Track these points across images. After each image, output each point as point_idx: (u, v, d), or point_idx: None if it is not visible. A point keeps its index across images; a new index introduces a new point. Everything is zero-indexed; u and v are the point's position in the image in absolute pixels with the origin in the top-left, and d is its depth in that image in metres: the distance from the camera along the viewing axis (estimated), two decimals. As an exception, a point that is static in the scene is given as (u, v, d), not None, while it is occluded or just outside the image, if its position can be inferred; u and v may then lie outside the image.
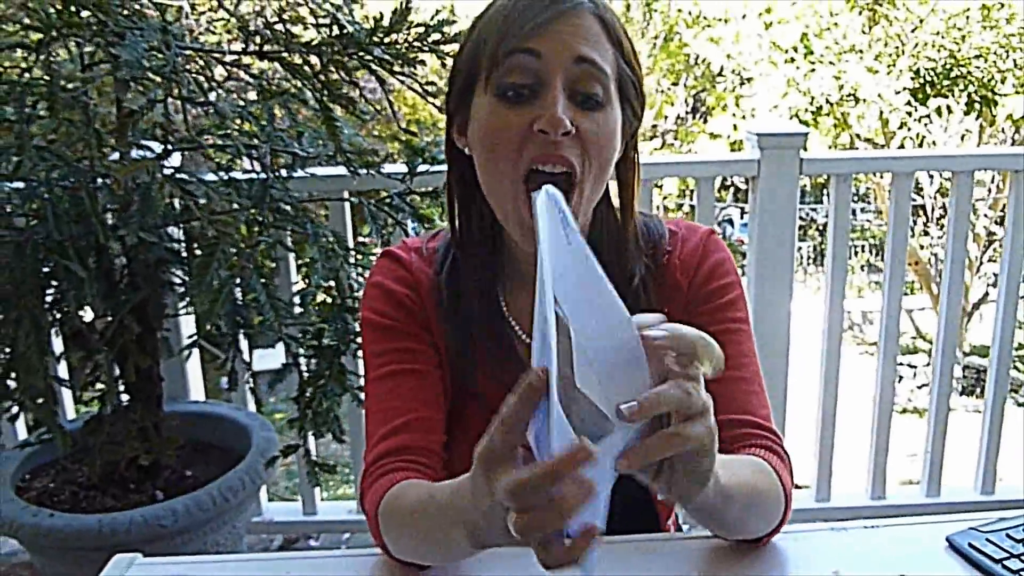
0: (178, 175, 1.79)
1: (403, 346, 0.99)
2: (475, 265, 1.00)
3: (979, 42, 7.94)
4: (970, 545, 0.89)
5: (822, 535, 0.96)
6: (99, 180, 1.70)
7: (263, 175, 1.78)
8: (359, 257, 1.92)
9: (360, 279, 1.83)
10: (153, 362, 1.88)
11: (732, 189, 13.21)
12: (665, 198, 10.50)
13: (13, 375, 1.71)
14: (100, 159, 1.67)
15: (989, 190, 8.61)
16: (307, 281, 1.89)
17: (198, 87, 1.70)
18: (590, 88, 0.88)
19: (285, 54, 1.69)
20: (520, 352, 1.00)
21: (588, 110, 0.88)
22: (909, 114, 7.93)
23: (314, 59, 1.71)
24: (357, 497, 0.98)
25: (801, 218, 10.44)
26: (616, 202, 1.00)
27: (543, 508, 0.56)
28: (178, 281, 1.89)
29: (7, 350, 1.69)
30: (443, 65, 1.65)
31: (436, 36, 1.64)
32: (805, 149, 2.19)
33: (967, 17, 7.90)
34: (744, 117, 8.35)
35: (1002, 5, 7.82)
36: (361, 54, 1.66)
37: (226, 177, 1.81)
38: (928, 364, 7.44)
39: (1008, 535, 0.90)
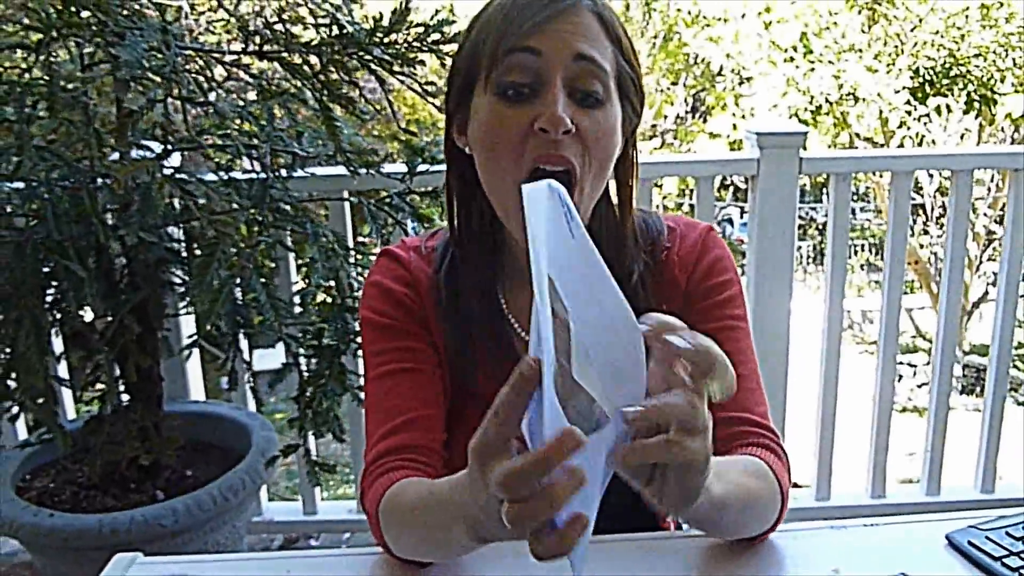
0: (178, 175, 1.79)
1: (402, 345, 0.99)
2: (474, 263, 1.00)
3: (978, 41, 7.94)
4: (970, 543, 0.89)
5: (822, 533, 0.96)
6: (99, 180, 1.70)
7: (263, 175, 1.78)
8: (359, 257, 1.92)
9: (360, 279, 1.84)
10: (153, 362, 1.88)
11: (732, 188, 13.22)
12: (665, 197, 10.50)
13: (13, 375, 1.71)
14: (100, 159, 1.67)
15: (988, 189, 8.62)
16: (307, 281, 1.89)
17: (198, 87, 1.70)
18: (590, 86, 0.88)
19: (285, 54, 1.69)
20: (519, 350, 1.00)
21: (588, 108, 0.88)
22: (908, 113, 7.94)
23: (314, 59, 1.71)
24: (357, 496, 0.98)
25: (801, 217, 10.43)
26: (615, 199, 1.00)
27: (534, 497, 0.56)
28: (178, 281, 1.89)
29: (7, 350, 1.69)
30: (443, 65, 1.65)
31: (436, 36, 1.64)
32: (804, 148, 2.19)
33: (966, 16, 7.91)
34: (744, 116, 8.35)
35: (1001, 4, 7.82)
36: (361, 54, 1.66)
37: (226, 177, 1.81)
38: (928, 363, 7.44)
39: (1008, 533, 0.90)
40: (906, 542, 0.94)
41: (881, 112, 7.88)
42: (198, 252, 1.82)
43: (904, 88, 7.89)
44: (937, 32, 8.01)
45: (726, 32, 8.30)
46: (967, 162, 2.32)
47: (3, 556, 2.45)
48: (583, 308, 0.60)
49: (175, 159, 1.95)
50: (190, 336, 1.90)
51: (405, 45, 1.66)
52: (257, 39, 1.71)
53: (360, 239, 2.36)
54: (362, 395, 1.45)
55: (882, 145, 8.35)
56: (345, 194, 2.07)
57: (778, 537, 0.94)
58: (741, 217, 13.82)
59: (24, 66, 1.68)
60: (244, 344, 1.97)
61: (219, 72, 1.84)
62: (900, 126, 8.00)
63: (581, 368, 0.57)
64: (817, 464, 2.42)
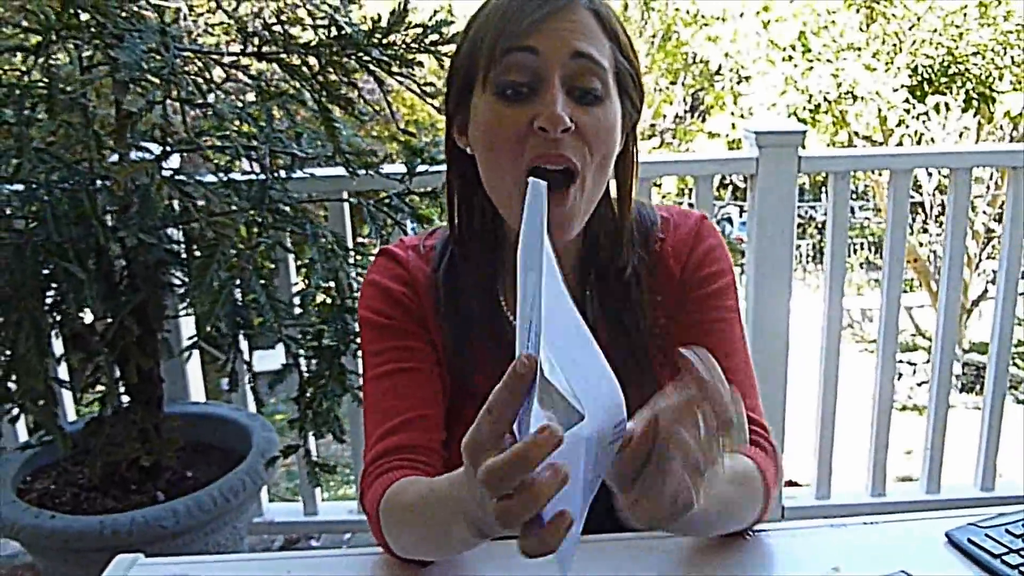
0: (177, 177, 1.79)
1: (401, 344, 0.99)
2: (475, 262, 1.00)
3: (977, 39, 7.95)
4: (969, 541, 0.89)
5: (822, 532, 0.96)
6: (98, 182, 1.70)
7: (262, 176, 1.78)
8: (358, 258, 1.93)
9: (359, 279, 1.84)
10: (153, 363, 1.88)
11: (731, 187, 13.22)
12: (664, 196, 10.49)
13: (13, 377, 1.71)
14: (99, 161, 1.67)
15: (988, 187, 8.62)
16: (307, 282, 1.90)
17: (197, 88, 1.71)
18: (588, 83, 0.88)
19: (283, 55, 1.70)
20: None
21: (587, 105, 0.88)
22: (907, 111, 7.94)
23: (312, 60, 1.71)
24: (357, 497, 0.98)
25: (800, 216, 10.44)
26: (613, 196, 1.00)
27: (518, 494, 0.56)
28: (178, 282, 1.89)
29: (7, 352, 1.69)
30: (441, 66, 1.65)
31: (434, 37, 1.64)
32: (803, 147, 2.19)
33: (964, 14, 7.91)
34: (742, 116, 8.35)
35: (999, 2, 7.82)
36: (359, 55, 1.66)
37: (225, 178, 1.81)
38: (927, 361, 7.45)
39: (1007, 530, 0.90)
40: (906, 540, 0.94)
41: (880, 110, 7.88)
42: (198, 253, 1.82)
43: (903, 86, 7.89)
44: (935, 30, 8.01)
45: (725, 31, 8.30)
46: (966, 160, 2.33)
47: (4, 558, 2.45)
48: (549, 311, 0.60)
49: (174, 160, 1.95)
50: (190, 337, 1.90)
51: (403, 46, 1.66)
52: (256, 40, 1.71)
53: (360, 239, 2.36)
54: (362, 395, 1.45)
55: (881, 143, 8.35)
56: (344, 195, 2.07)
57: (778, 536, 0.95)
58: (740, 216, 13.82)
59: (23, 68, 1.68)
60: (244, 345, 1.97)
61: (218, 74, 1.84)
62: (899, 124, 8.00)
63: (550, 367, 0.58)
64: (817, 463, 2.42)
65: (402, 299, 1.00)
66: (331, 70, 1.68)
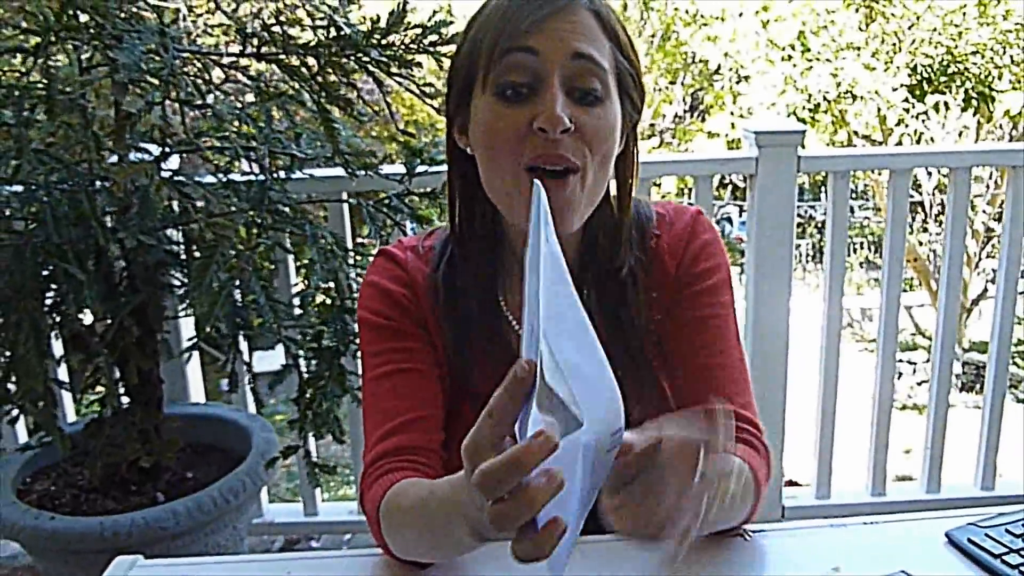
0: (176, 177, 1.79)
1: (400, 345, 0.99)
2: (475, 261, 1.00)
3: (976, 38, 7.94)
4: (969, 540, 0.89)
5: (822, 532, 0.96)
6: (98, 183, 1.70)
7: (261, 177, 1.78)
8: (358, 258, 1.93)
9: (359, 280, 1.84)
10: (153, 364, 1.88)
11: (730, 187, 13.22)
12: (664, 196, 10.50)
13: (13, 378, 1.71)
14: (98, 162, 1.67)
15: (987, 186, 8.62)
16: (306, 282, 1.89)
17: (196, 89, 1.70)
18: (588, 84, 0.88)
19: (282, 56, 1.69)
20: (517, 349, 1.00)
21: (587, 106, 0.88)
22: (907, 111, 7.94)
23: (311, 61, 1.71)
24: (357, 498, 0.98)
25: (799, 215, 10.45)
26: (612, 195, 1.00)
27: (512, 498, 0.56)
28: (177, 283, 1.89)
29: (7, 353, 1.69)
30: (440, 67, 1.65)
31: (433, 37, 1.64)
32: (803, 147, 2.19)
33: (964, 13, 7.91)
34: (742, 115, 8.35)
35: (998, 1, 7.82)
36: (358, 56, 1.66)
37: (224, 179, 1.81)
38: (927, 360, 7.45)
39: (1007, 530, 0.90)
40: (906, 540, 0.94)
41: (879, 110, 7.88)
42: (197, 254, 1.82)
43: (902, 86, 7.89)
44: (935, 29, 8.01)
45: (724, 31, 8.30)
46: (965, 159, 2.32)
47: (4, 559, 2.45)
48: (554, 314, 0.60)
49: (173, 161, 1.95)
50: (190, 339, 1.90)
51: (402, 47, 1.66)
52: (255, 41, 1.71)
53: (360, 240, 2.36)
54: (361, 396, 1.45)
55: (880, 143, 8.35)
56: (344, 195, 2.07)
57: (778, 536, 0.95)
58: (740, 216, 13.82)
59: (23, 70, 1.68)
60: (244, 346, 1.97)
61: (217, 74, 1.84)
62: (898, 124, 8.00)
63: (551, 371, 0.58)
64: (817, 462, 2.42)
65: (401, 300, 1.00)
66: (330, 71, 1.68)
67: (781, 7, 8.00)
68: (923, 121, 8.02)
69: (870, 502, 2.43)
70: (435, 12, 1.67)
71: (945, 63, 8.14)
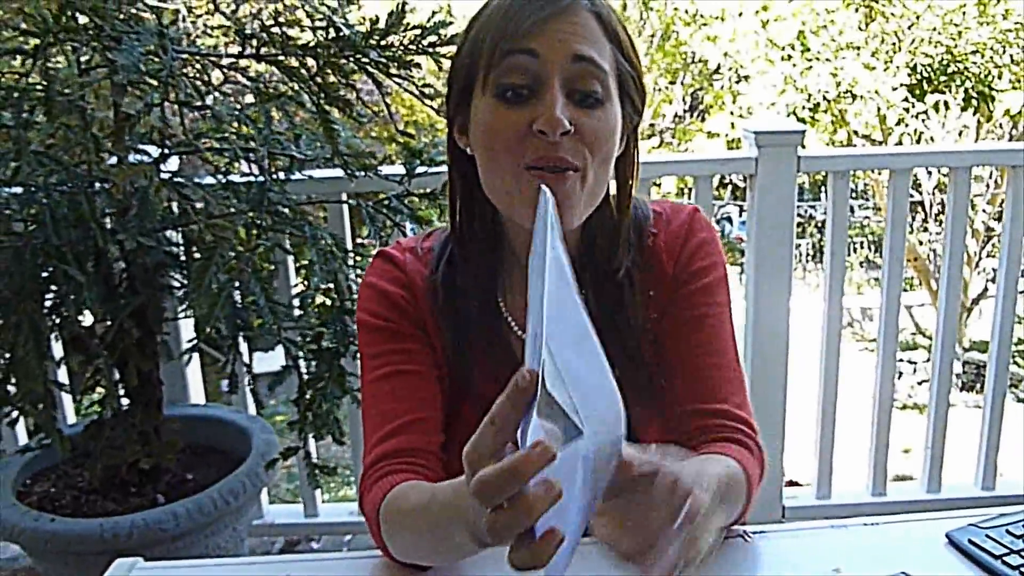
0: (176, 179, 1.79)
1: (399, 347, 0.99)
2: (475, 262, 1.00)
3: (976, 38, 7.94)
4: (970, 541, 0.89)
5: (822, 532, 0.96)
6: (97, 185, 1.70)
7: (260, 178, 1.78)
8: (358, 259, 1.92)
9: (359, 280, 1.83)
10: (153, 366, 1.88)
11: (730, 187, 13.21)
12: (664, 196, 10.50)
13: (13, 380, 1.71)
14: (98, 164, 1.67)
15: (987, 186, 8.62)
16: (306, 283, 1.89)
17: (195, 90, 1.70)
18: (589, 86, 0.88)
19: (281, 57, 1.69)
20: (517, 349, 1.00)
21: (588, 108, 0.88)
22: (907, 110, 7.93)
23: (310, 62, 1.71)
24: (357, 499, 0.98)
25: (799, 215, 10.45)
26: (613, 195, 0.99)
27: (509, 507, 0.56)
28: (177, 285, 1.89)
29: (7, 355, 1.69)
30: (439, 67, 1.65)
31: (432, 38, 1.64)
32: (803, 146, 2.19)
33: (963, 13, 7.91)
34: (741, 115, 8.35)
35: (998, 1, 7.82)
36: (357, 56, 1.65)
37: (224, 180, 1.81)
38: (928, 360, 7.45)
39: (1008, 531, 0.90)
40: (906, 541, 0.94)
41: (879, 109, 7.88)
42: (197, 256, 1.82)
43: (902, 85, 7.89)
44: (934, 29, 8.00)
45: (723, 31, 8.29)
46: (965, 159, 2.32)
47: (4, 561, 2.45)
48: (553, 320, 0.60)
49: (173, 163, 1.95)
50: (190, 340, 1.90)
51: (401, 48, 1.66)
52: (254, 42, 1.71)
53: (360, 240, 2.36)
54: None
55: (880, 142, 8.35)
56: (344, 196, 2.07)
57: (779, 537, 0.95)
58: (740, 216, 13.81)
59: (22, 71, 1.68)
60: (244, 347, 1.97)
61: (216, 75, 1.84)
62: (898, 123, 8.00)
63: (552, 379, 0.57)
64: (817, 462, 2.42)
65: (399, 302, 1.00)
66: (329, 72, 1.68)
67: (781, 7, 8.00)
68: (923, 121, 8.01)
69: (870, 502, 2.43)
70: (434, 13, 1.66)
71: (945, 62, 8.14)
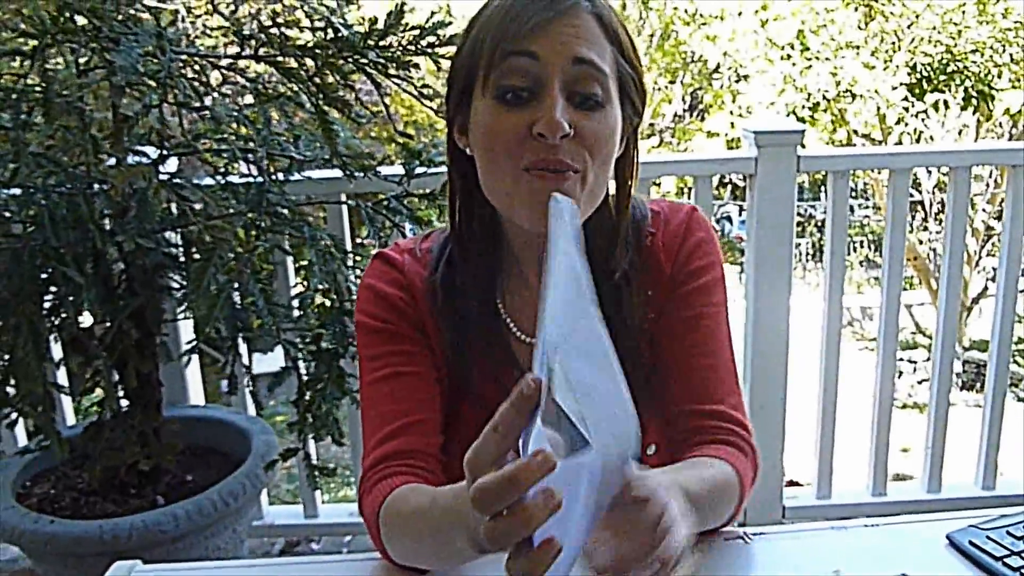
0: (175, 180, 1.78)
1: (397, 349, 0.99)
2: (474, 262, 1.00)
3: (975, 37, 7.93)
4: (971, 543, 0.89)
5: (823, 534, 0.96)
6: (96, 186, 1.70)
7: (259, 179, 1.78)
8: (357, 259, 1.92)
9: (358, 281, 1.83)
10: (152, 367, 1.88)
11: (730, 186, 13.21)
12: (663, 195, 10.48)
13: (12, 381, 1.71)
14: (96, 165, 1.66)
15: (987, 185, 8.61)
16: (305, 284, 1.89)
17: (193, 91, 1.70)
18: (589, 89, 0.87)
19: (280, 57, 1.69)
20: (516, 351, 1.00)
21: (588, 110, 0.88)
22: (906, 109, 7.92)
23: (309, 62, 1.70)
24: (357, 501, 0.97)
25: (799, 214, 10.42)
26: (610, 197, 0.99)
27: (508, 516, 0.55)
28: (176, 286, 1.89)
29: (6, 356, 1.69)
30: (438, 68, 1.64)
31: (431, 39, 1.64)
32: (803, 146, 2.19)
33: (963, 12, 7.90)
34: (741, 115, 8.34)
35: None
36: (356, 57, 1.65)
37: (223, 181, 1.81)
38: (928, 359, 7.44)
39: (1009, 532, 0.89)
40: (907, 542, 0.94)
41: (879, 108, 7.87)
42: (196, 257, 1.81)
43: (901, 84, 7.87)
44: (934, 28, 7.99)
45: (723, 30, 8.28)
46: (965, 159, 2.32)
47: (4, 563, 2.45)
48: (569, 331, 0.60)
49: (172, 164, 1.94)
50: (189, 342, 1.90)
51: (400, 49, 1.65)
52: (252, 43, 1.70)
53: (360, 240, 2.36)
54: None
55: (880, 142, 8.35)
56: (343, 197, 2.06)
57: (779, 538, 0.94)
58: (740, 215, 13.81)
59: (20, 73, 1.68)
60: (243, 348, 1.96)
61: (215, 76, 1.83)
62: (898, 122, 7.99)
63: (562, 390, 0.57)
64: (817, 462, 2.42)
65: (398, 303, 1.00)
66: (327, 72, 1.68)
67: (780, 6, 7.99)
68: (923, 120, 8.01)
69: (871, 502, 2.43)
70: (433, 13, 1.66)
71: (944, 62, 8.13)
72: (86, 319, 1.83)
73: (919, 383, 8.78)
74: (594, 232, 0.97)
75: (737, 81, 8.67)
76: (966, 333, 9.29)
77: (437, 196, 1.90)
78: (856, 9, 8.10)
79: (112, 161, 1.75)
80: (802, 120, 7.79)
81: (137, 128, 1.78)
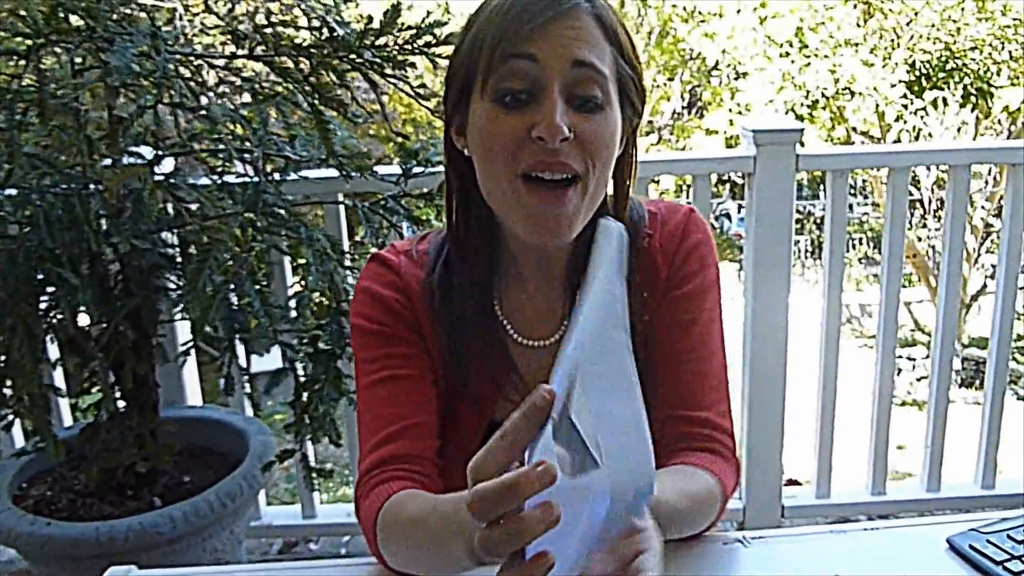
0: (172, 180, 1.78)
1: (394, 351, 0.98)
2: (471, 262, 0.99)
3: (974, 34, 7.92)
4: (971, 547, 0.88)
5: (822, 538, 0.96)
6: (91, 187, 1.69)
7: (256, 179, 1.77)
8: (355, 259, 1.91)
9: (355, 282, 1.82)
10: (149, 368, 1.87)
11: (729, 184, 13.21)
12: (662, 194, 10.48)
13: (8, 383, 1.70)
14: (91, 166, 1.66)
15: (986, 182, 8.61)
16: (302, 284, 1.88)
17: (189, 91, 1.69)
18: (589, 91, 0.87)
19: (275, 57, 1.68)
20: (513, 353, 1.00)
21: (587, 113, 0.87)
22: (905, 107, 7.92)
23: (304, 62, 1.69)
24: (353, 505, 0.97)
25: (798, 211, 10.39)
26: (610, 197, 0.99)
27: (504, 524, 0.55)
28: (173, 287, 1.88)
29: (2, 358, 1.68)
30: (435, 67, 1.64)
31: (427, 38, 1.63)
32: (801, 145, 2.18)
33: (962, 9, 7.89)
34: (740, 112, 8.34)
35: (996, -3, 7.81)
36: (352, 57, 1.64)
37: (219, 181, 1.80)
38: (927, 357, 7.45)
39: (1009, 536, 0.89)
40: (907, 545, 0.94)
41: (877, 106, 7.86)
42: (193, 256, 1.81)
43: (900, 82, 7.87)
44: (933, 25, 7.98)
45: (722, 27, 8.28)
46: (965, 157, 2.31)
47: (1, 564, 2.44)
48: (596, 357, 0.59)
49: (168, 164, 1.94)
50: (184, 343, 1.89)
51: (396, 48, 1.64)
52: (248, 42, 1.69)
53: (359, 239, 2.34)
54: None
55: (879, 139, 8.34)
56: (340, 197, 2.06)
57: (779, 541, 0.94)
58: (739, 212, 13.80)
59: (14, 73, 1.67)
60: (241, 349, 1.96)
61: (212, 76, 1.82)
62: (897, 120, 7.99)
63: (579, 406, 0.56)
64: (817, 460, 2.41)
65: (394, 305, 0.99)
66: (323, 72, 1.67)
67: (779, 4, 7.98)
68: (922, 117, 8.00)
69: (870, 501, 2.43)
70: (429, 13, 1.65)
71: (943, 59, 8.12)
72: (83, 319, 1.82)
73: (918, 380, 8.78)
74: (592, 235, 0.97)
75: (736, 79, 8.67)
76: (965, 330, 9.29)
77: (434, 195, 1.89)
78: (855, 6, 8.10)
79: (107, 162, 1.74)
80: (801, 118, 7.78)
81: (133, 128, 1.77)
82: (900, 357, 8.15)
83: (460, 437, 1.00)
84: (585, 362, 0.57)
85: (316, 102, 1.67)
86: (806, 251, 13.11)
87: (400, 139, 1.88)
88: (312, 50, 1.66)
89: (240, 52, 1.70)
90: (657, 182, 8.65)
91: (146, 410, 1.89)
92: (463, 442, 0.98)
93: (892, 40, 8.16)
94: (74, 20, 1.60)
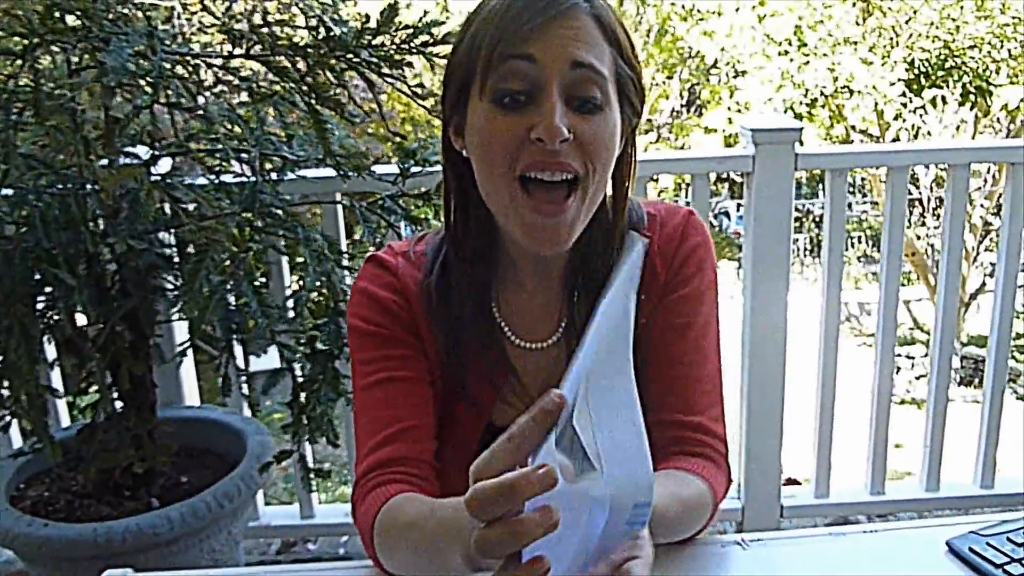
0: (169, 180, 1.77)
1: (391, 353, 0.98)
2: (469, 262, 0.99)
3: (973, 32, 7.92)
4: (970, 549, 0.88)
5: (821, 540, 0.95)
6: (88, 187, 1.69)
7: (253, 179, 1.77)
8: (352, 259, 1.91)
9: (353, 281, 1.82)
10: (146, 368, 1.87)
11: (728, 182, 13.21)
12: (661, 192, 10.49)
13: (5, 384, 1.70)
14: (88, 166, 1.65)
15: (985, 180, 8.61)
16: (300, 284, 1.88)
17: (186, 91, 1.69)
18: (588, 92, 0.86)
19: (272, 56, 1.68)
20: (511, 354, 0.99)
21: (586, 114, 0.87)
22: (904, 105, 7.92)
23: (300, 61, 1.69)
24: (350, 508, 0.96)
25: (797, 209, 10.39)
26: (609, 197, 0.98)
27: (502, 525, 0.55)
28: (170, 287, 1.87)
29: (-2, 358, 1.68)
30: (432, 67, 1.63)
31: (424, 38, 1.62)
32: (800, 143, 2.18)
33: (961, 7, 7.89)
34: (739, 110, 8.34)
35: (995, -5, 7.81)
36: (348, 56, 1.64)
37: (216, 181, 1.80)
38: (926, 355, 7.44)
39: (1009, 538, 0.88)
40: (906, 548, 0.93)
41: (876, 104, 7.86)
42: (190, 256, 1.80)
43: (899, 80, 7.87)
44: (932, 24, 7.98)
45: (720, 26, 8.28)
46: (964, 156, 2.31)
47: (-1, 565, 2.44)
48: (602, 372, 0.59)
49: (165, 164, 1.93)
50: (181, 344, 1.89)
51: (393, 47, 1.64)
52: (244, 42, 1.69)
53: (358, 238, 2.34)
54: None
55: (878, 138, 8.34)
56: (337, 196, 2.05)
57: (777, 543, 0.94)
58: (738, 210, 13.80)
59: (10, 72, 1.66)
60: (238, 349, 1.95)
61: (209, 76, 1.82)
62: (896, 118, 7.99)
63: (582, 414, 0.56)
64: (816, 459, 2.41)
65: (392, 307, 0.99)
66: (320, 72, 1.66)
67: (778, 2, 7.98)
68: (920, 116, 8.00)
69: (869, 501, 2.43)
70: (426, 12, 1.65)
71: (942, 57, 8.12)
72: (80, 320, 1.81)
73: (917, 379, 8.79)
74: (591, 235, 0.96)
75: (735, 77, 8.67)
76: (964, 329, 9.30)
77: (432, 195, 1.88)
78: (854, 5, 8.10)
79: (104, 162, 1.74)
80: (799, 116, 7.79)
81: (129, 128, 1.77)
82: (899, 355, 8.15)
83: (457, 439, 0.99)
84: (593, 373, 0.57)
85: (313, 101, 1.66)
86: (805, 249, 13.11)
87: (398, 138, 1.87)
88: (309, 49, 1.65)
89: (237, 52, 1.70)
90: (656, 181, 8.67)
91: (143, 410, 1.89)
92: (460, 444, 0.98)
93: (891, 38, 8.16)
94: (70, 20, 1.60)
